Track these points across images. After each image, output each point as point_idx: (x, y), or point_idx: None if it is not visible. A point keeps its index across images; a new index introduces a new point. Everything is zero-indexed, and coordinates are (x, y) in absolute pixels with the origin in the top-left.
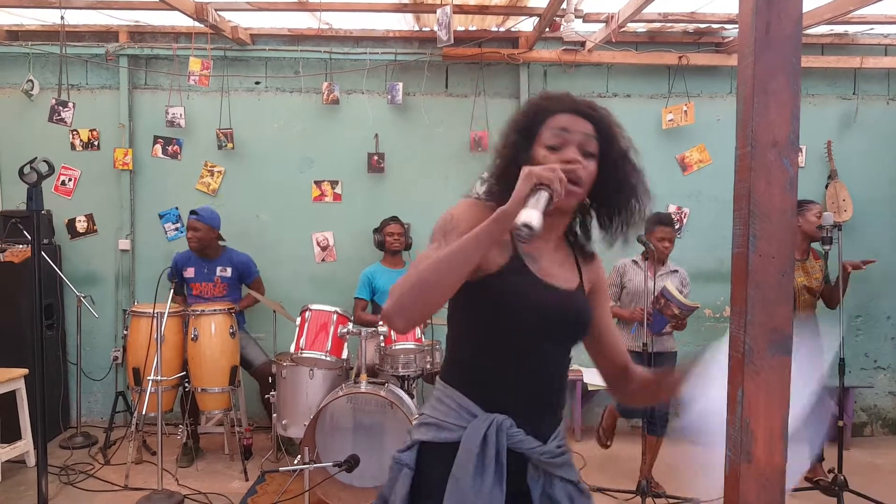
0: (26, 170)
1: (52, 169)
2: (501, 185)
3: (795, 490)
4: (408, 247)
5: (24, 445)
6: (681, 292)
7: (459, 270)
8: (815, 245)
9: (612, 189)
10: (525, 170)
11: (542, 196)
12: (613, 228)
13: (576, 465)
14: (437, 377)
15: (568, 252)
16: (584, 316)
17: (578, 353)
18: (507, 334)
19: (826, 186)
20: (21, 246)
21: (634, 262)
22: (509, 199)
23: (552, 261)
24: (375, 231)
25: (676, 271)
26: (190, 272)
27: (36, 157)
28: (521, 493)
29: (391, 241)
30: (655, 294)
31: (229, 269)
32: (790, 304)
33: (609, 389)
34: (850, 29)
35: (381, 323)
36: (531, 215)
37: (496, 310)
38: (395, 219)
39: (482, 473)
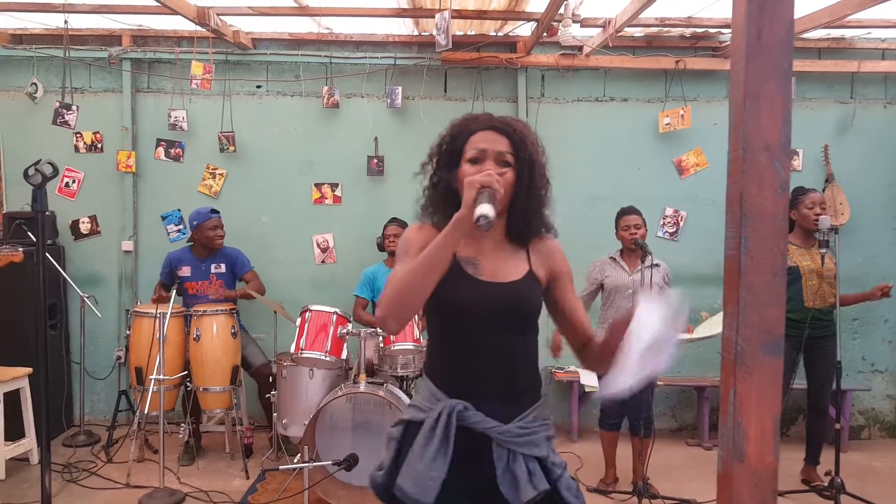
0: (31, 171)
1: (56, 170)
2: (438, 194)
3: (791, 492)
4: None
5: (28, 443)
6: (663, 289)
7: (433, 272)
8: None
9: (524, 190)
10: (466, 180)
11: (485, 195)
12: (530, 224)
13: (549, 444)
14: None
15: (514, 248)
16: (528, 301)
17: (573, 360)
18: (458, 331)
19: (823, 190)
20: (9, 249)
21: (612, 258)
22: (461, 207)
23: (496, 259)
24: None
25: (658, 265)
26: (186, 271)
27: (40, 159)
28: (493, 476)
29: (388, 241)
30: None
31: (223, 265)
32: (782, 306)
33: (579, 359)
34: (848, 33)
35: None
36: (484, 208)
37: (445, 312)
38: (395, 220)
39: (427, 444)
